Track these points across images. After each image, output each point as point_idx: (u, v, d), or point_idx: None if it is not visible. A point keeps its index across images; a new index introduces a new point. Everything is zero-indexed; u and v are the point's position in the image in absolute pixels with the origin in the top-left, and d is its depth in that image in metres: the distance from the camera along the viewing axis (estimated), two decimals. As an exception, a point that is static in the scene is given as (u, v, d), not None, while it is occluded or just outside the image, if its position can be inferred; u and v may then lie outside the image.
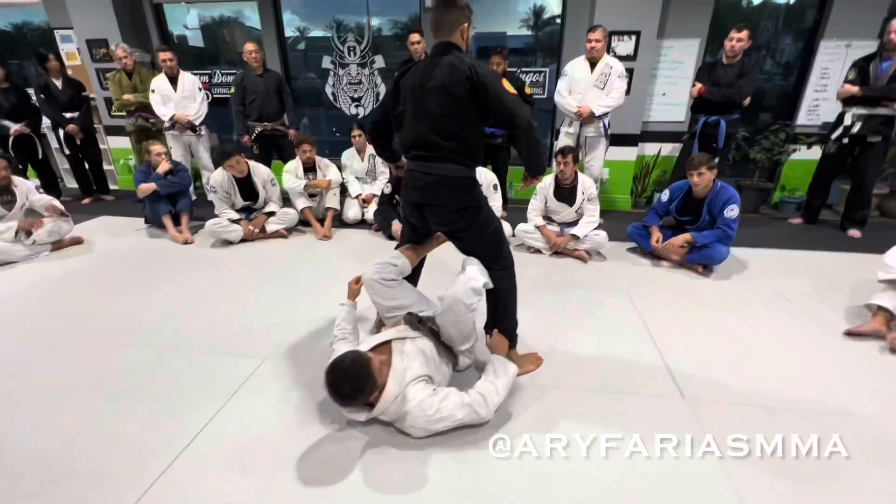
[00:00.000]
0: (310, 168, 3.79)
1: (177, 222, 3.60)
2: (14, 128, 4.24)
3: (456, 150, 1.65)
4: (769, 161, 4.38)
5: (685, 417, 1.63)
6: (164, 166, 3.53)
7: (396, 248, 2.06)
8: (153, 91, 4.02)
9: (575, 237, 3.11)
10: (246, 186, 3.50)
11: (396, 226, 3.45)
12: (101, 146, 5.03)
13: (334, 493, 1.33)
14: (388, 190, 3.63)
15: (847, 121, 3.43)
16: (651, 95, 4.45)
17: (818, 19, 4.21)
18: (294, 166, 3.76)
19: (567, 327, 2.27)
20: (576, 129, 3.71)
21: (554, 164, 3.22)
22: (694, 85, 3.61)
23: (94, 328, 2.28)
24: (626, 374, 1.90)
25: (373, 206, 3.88)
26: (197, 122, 4.15)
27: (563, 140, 3.77)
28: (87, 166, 4.74)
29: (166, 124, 4.10)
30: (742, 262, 3.09)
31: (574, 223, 3.20)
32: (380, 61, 4.87)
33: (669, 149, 4.55)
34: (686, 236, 2.92)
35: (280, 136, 4.19)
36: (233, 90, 4.06)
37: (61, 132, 4.46)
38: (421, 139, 1.67)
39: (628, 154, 4.46)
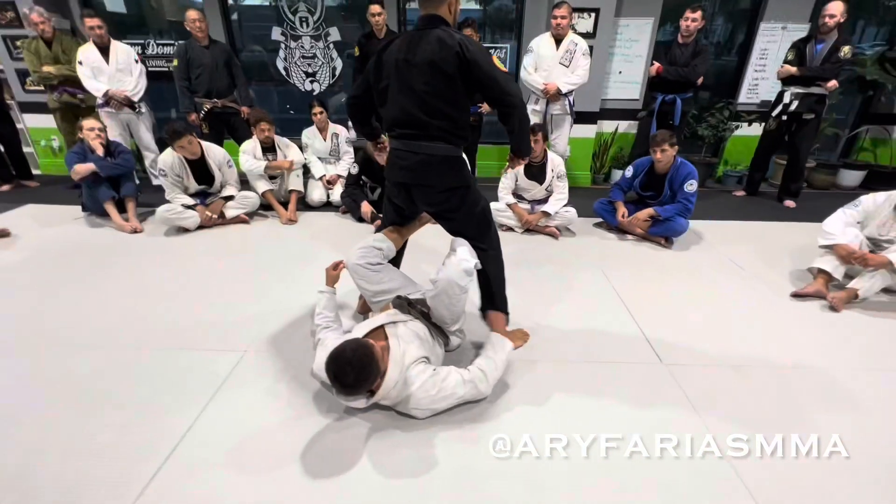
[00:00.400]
0: (269, 148, 3.57)
1: (121, 210, 3.28)
2: None
3: (444, 129, 1.61)
4: (714, 137, 4.66)
5: (667, 381, 1.76)
6: (97, 145, 3.14)
7: (377, 230, 2.00)
8: (81, 63, 3.57)
9: (546, 214, 3.18)
10: (199, 169, 3.23)
11: (366, 207, 3.35)
12: (17, 125, 4.44)
13: (345, 482, 1.30)
14: (354, 170, 3.50)
15: (786, 99, 3.71)
16: (608, 73, 4.56)
17: (757, 2, 4.46)
18: (252, 146, 3.52)
19: (547, 302, 2.33)
20: (542, 107, 3.75)
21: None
22: (652, 64, 3.73)
23: (42, 330, 2.05)
24: (607, 344, 2.00)
25: (338, 188, 3.74)
26: (136, 99, 3.75)
27: (530, 118, 3.78)
28: (1, 149, 4.18)
29: (99, 101, 3.67)
30: (698, 234, 3.30)
31: (544, 200, 3.26)
32: (335, 34, 4.61)
33: (626, 126, 4.71)
34: (649, 211, 3.07)
35: (232, 114, 3.89)
36: (175, 63, 3.69)
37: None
38: (407, 117, 1.62)
39: (588, 131, 4.57)
